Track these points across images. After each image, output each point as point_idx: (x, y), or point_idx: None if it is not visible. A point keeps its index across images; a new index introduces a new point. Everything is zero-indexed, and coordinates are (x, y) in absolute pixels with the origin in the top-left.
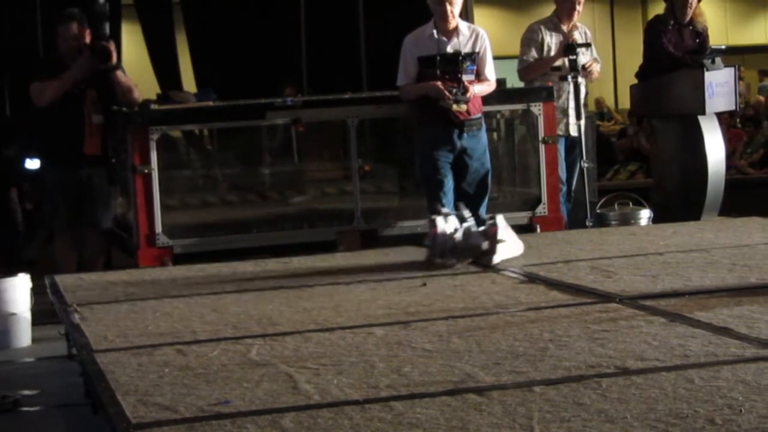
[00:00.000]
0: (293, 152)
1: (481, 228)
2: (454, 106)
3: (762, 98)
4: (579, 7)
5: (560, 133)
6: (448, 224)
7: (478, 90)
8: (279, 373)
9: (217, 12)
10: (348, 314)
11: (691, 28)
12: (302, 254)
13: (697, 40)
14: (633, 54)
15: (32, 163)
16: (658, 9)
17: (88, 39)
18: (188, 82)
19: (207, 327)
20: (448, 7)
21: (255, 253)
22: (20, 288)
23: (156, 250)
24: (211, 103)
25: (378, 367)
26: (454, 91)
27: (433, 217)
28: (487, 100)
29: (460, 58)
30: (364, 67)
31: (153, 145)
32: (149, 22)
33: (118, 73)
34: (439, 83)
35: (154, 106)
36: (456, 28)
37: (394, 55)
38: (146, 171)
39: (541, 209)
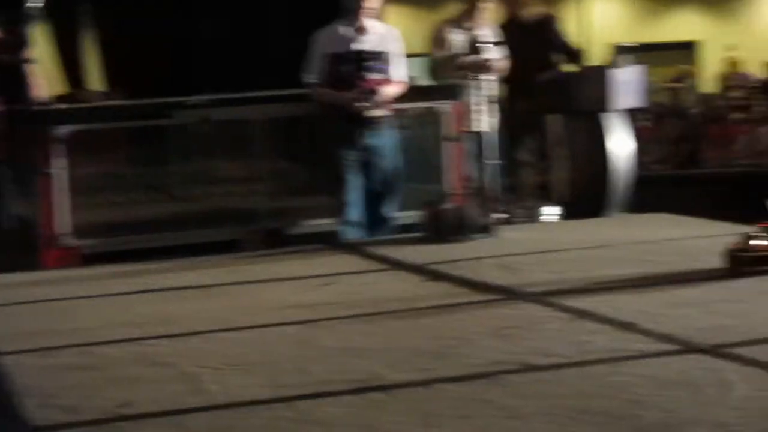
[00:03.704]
0: (201, 151)
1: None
2: (370, 112)
3: None
4: (485, 5)
5: (469, 129)
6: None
7: (391, 91)
8: (184, 374)
9: (125, 10)
10: (254, 313)
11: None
12: (208, 254)
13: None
14: None
15: None
16: (567, 6)
17: None
18: (96, 81)
19: (112, 328)
20: (367, 4)
21: (161, 252)
22: None
23: (62, 250)
24: (118, 102)
25: (284, 367)
26: (368, 97)
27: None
28: (396, 98)
29: (372, 56)
30: (273, 65)
31: (59, 145)
32: (56, 19)
33: (32, 66)
34: (352, 95)
35: (60, 105)
36: (368, 26)
37: (303, 52)
38: (52, 171)
39: (449, 206)
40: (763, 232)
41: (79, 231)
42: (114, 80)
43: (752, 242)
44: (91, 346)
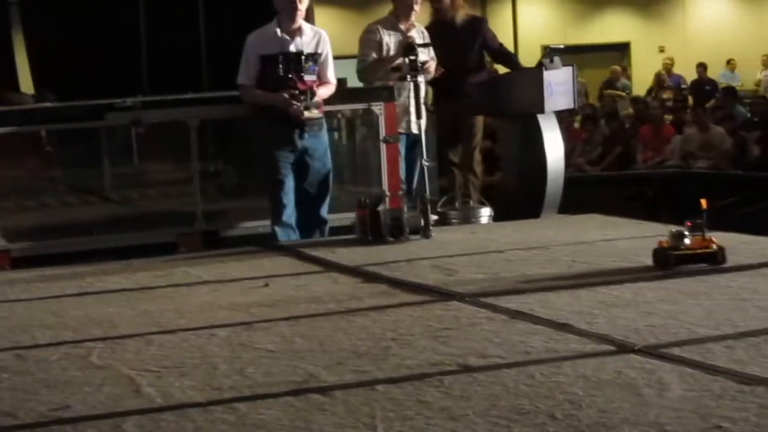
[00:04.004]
0: (133, 153)
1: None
2: (306, 113)
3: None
4: (417, 7)
5: (401, 131)
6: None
7: (322, 93)
8: (121, 377)
9: (56, 11)
10: (190, 316)
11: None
12: (143, 256)
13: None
14: None
15: None
16: (498, 8)
17: None
18: (26, 83)
19: (47, 331)
20: (299, 6)
21: (95, 255)
22: None
23: None
24: (49, 104)
25: (221, 369)
26: (303, 98)
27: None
28: (328, 99)
29: (303, 57)
30: (205, 67)
31: None
32: None
33: None
34: (286, 94)
35: None
36: (299, 28)
37: (236, 53)
38: None
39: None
40: (689, 231)
41: (10, 234)
42: (43, 82)
43: (679, 241)
44: (27, 350)
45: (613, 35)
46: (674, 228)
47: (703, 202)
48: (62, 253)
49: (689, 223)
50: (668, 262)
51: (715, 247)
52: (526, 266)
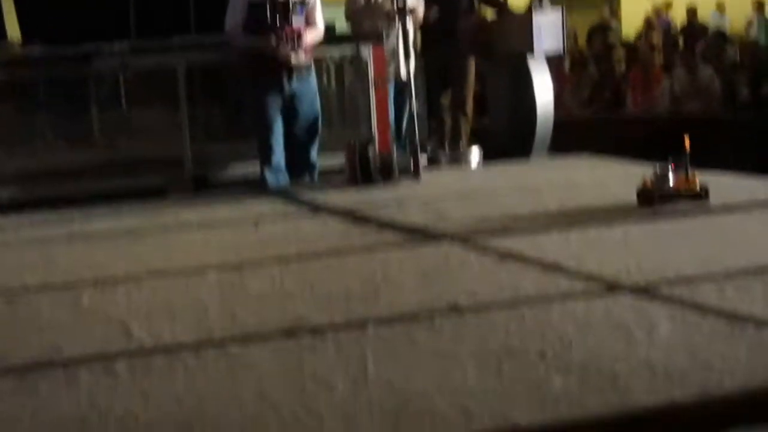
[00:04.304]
0: (122, 99)
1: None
2: (294, 58)
3: None
4: None
5: (389, 75)
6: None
7: (310, 38)
8: (111, 320)
9: None
10: (180, 259)
11: None
12: (132, 201)
13: None
14: None
15: None
16: None
17: None
18: (13, 31)
19: (37, 276)
20: None
21: (84, 200)
22: None
23: None
24: (36, 48)
25: (211, 312)
26: (290, 42)
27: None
28: (316, 44)
29: (291, 4)
30: (193, 11)
31: None
32: None
33: None
34: (273, 39)
35: None
36: None
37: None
38: None
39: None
40: (674, 171)
41: None
42: (31, 30)
43: (662, 180)
44: (17, 295)
45: None
46: (659, 167)
47: (686, 142)
48: (51, 198)
49: (673, 164)
50: (651, 201)
51: (698, 186)
52: (515, 208)
